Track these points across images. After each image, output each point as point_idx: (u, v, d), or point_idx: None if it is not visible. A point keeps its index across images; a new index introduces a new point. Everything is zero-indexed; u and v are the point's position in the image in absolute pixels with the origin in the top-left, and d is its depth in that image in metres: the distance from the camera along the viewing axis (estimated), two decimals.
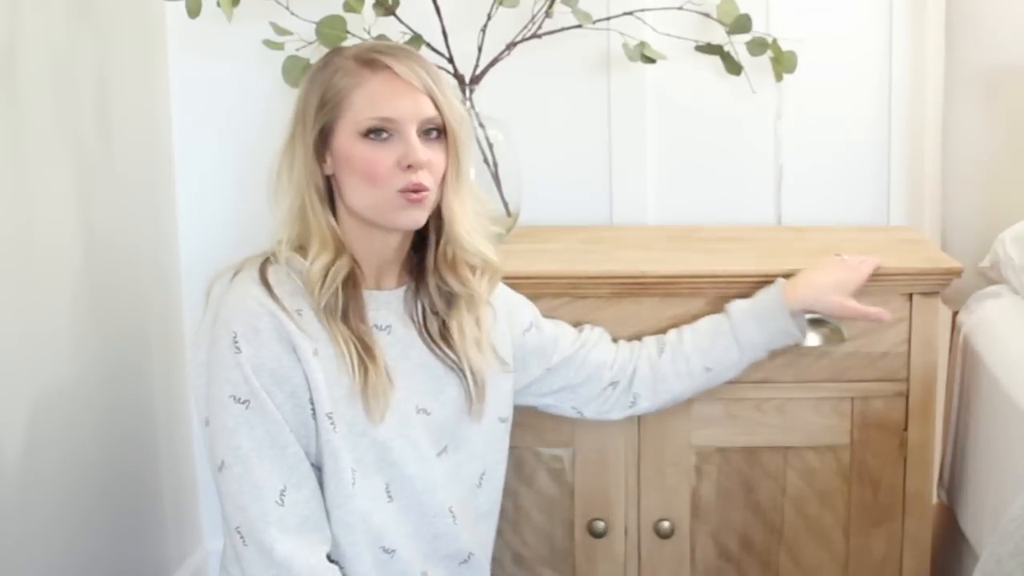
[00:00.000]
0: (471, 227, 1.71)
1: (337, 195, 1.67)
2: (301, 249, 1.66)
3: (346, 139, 1.64)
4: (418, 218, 1.65)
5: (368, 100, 1.63)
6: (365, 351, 1.65)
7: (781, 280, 1.93)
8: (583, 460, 2.05)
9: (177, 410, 2.44)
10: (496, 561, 2.01)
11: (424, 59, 1.68)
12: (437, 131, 1.65)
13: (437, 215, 1.69)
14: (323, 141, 1.65)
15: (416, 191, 1.63)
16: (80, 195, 2.04)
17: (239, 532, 1.60)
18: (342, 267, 1.65)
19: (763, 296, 1.93)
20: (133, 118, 2.26)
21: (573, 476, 2.06)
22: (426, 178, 1.63)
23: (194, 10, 2.02)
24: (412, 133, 1.63)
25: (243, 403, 1.59)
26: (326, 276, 1.63)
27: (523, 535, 2.08)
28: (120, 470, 2.18)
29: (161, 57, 2.39)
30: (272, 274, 1.64)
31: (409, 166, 1.62)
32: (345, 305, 1.65)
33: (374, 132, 1.62)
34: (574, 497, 2.06)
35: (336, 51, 1.70)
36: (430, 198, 1.65)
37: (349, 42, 2.10)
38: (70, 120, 2.01)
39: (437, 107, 1.64)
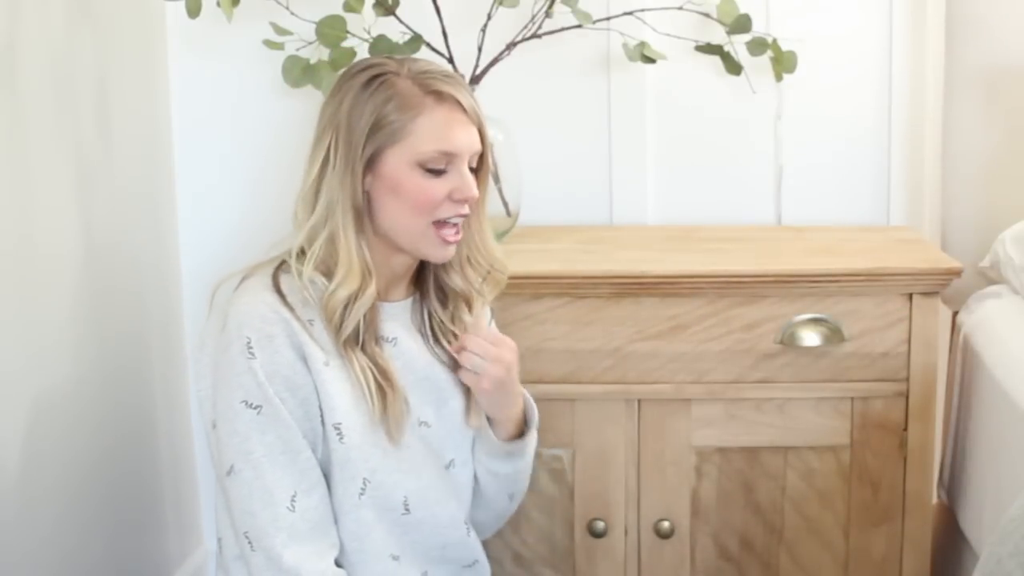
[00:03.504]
0: (491, 240, 1.72)
1: (365, 214, 1.63)
2: (324, 269, 1.62)
3: (398, 165, 1.61)
4: (450, 254, 1.66)
5: (432, 131, 1.60)
6: (383, 376, 1.63)
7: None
8: (583, 460, 2.05)
9: (178, 412, 2.43)
10: (496, 561, 2.01)
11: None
12: (478, 160, 1.66)
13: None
14: (367, 161, 1.62)
15: (455, 230, 1.63)
16: (80, 195, 2.03)
17: (247, 537, 1.59)
18: (366, 301, 1.62)
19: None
20: (133, 118, 2.26)
21: (573, 476, 2.06)
22: (467, 209, 1.64)
23: (194, 10, 2.01)
24: (465, 167, 1.62)
25: (255, 408, 1.57)
26: (346, 306, 1.61)
27: (523, 535, 2.08)
28: (121, 471, 2.18)
29: (161, 57, 2.39)
30: (284, 283, 1.62)
31: (462, 200, 1.62)
32: (363, 331, 1.63)
33: (433, 163, 1.61)
34: (574, 497, 2.06)
35: (385, 69, 1.63)
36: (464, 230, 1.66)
37: (348, 42, 2.10)
38: (70, 121, 2.01)
39: (482, 139, 1.64)
